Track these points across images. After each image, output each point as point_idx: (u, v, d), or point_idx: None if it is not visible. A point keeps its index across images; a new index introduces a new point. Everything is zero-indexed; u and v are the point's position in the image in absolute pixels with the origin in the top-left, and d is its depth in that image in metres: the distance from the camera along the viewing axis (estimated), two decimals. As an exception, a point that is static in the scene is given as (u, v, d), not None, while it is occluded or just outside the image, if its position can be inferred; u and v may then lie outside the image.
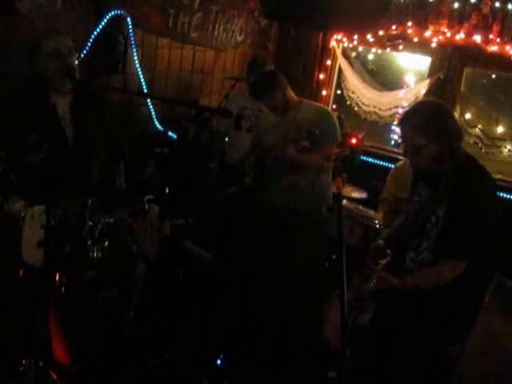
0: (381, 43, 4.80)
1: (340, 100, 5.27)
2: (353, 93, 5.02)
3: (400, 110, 4.76)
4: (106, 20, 3.36)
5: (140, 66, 3.76)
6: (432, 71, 4.68)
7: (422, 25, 4.53)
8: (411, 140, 2.13)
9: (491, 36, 4.22)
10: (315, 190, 3.25)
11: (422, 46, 4.60)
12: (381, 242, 2.47)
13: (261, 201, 3.38)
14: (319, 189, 3.28)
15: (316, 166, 3.12)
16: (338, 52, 5.11)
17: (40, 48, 2.43)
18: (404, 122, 2.18)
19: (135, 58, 3.71)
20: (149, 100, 3.99)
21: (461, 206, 2.03)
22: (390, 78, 5.25)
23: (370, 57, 5.25)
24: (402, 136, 2.20)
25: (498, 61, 4.25)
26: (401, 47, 4.69)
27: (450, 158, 2.09)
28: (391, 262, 2.36)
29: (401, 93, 4.81)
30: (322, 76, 5.27)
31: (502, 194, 4.33)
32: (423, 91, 4.62)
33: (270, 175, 3.21)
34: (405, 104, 4.70)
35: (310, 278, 3.31)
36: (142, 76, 3.79)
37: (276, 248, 3.31)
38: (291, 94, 3.21)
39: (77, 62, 2.51)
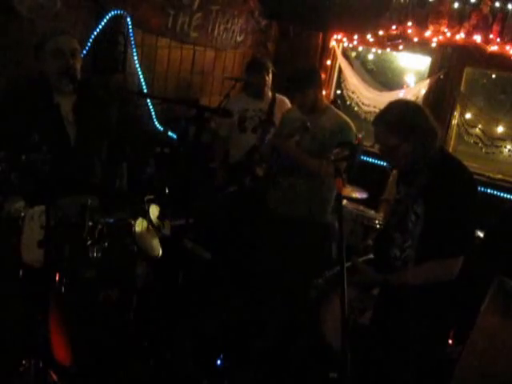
0: (381, 43, 4.80)
1: (340, 100, 5.25)
2: (353, 93, 5.02)
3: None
4: (105, 20, 3.37)
5: (140, 66, 3.76)
6: (432, 71, 4.68)
7: (421, 25, 4.52)
8: (384, 140, 2.15)
9: (491, 36, 4.22)
10: (314, 198, 3.23)
11: (422, 46, 4.59)
12: (370, 241, 2.50)
13: (261, 201, 3.38)
14: (319, 199, 3.27)
15: (313, 169, 3.09)
16: (338, 52, 5.11)
17: (44, 46, 2.44)
18: (376, 122, 2.19)
19: (135, 58, 3.71)
20: (149, 100, 3.99)
21: (439, 203, 2.04)
22: (390, 78, 5.25)
23: (370, 57, 5.24)
24: (376, 136, 2.21)
25: (497, 61, 4.24)
26: (401, 47, 4.69)
27: (424, 156, 2.10)
28: (377, 260, 2.38)
29: (401, 93, 4.81)
30: (322, 76, 5.27)
31: (501, 194, 4.33)
32: (423, 91, 4.62)
33: (273, 173, 3.22)
34: (405, 104, 4.70)
35: (310, 278, 3.32)
36: (141, 76, 3.79)
37: (275, 249, 3.31)
38: (322, 96, 3.22)
39: (79, 64, 2.50)
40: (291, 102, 3.45)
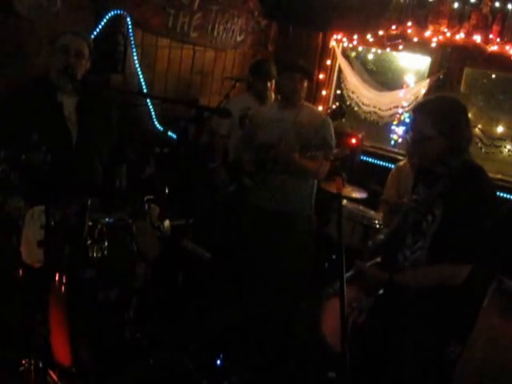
0: (381, 43, 4.80)
1: (340, 100, 5.26)
2: (353, 93, 5.02)
3: (400, 110, 4.76)
4: (105, 20, 3.36)
5: (140, 66, 3.76)
6: (432, 71, 4.67)
7: (421, 25, 4.52)
8: (421, 128, 2.09)
9: (491, 36, 4.21)
10: (302, 191, 3.30)
11: (422, 46, 4.59)
12: (380, 236, 2.48)
13: (247, 201, 3.39)
14: (306, 191, 3.33)
15: (313, 172, 3.15)
16: (338, 52, 5.10)
17: (54, 42, 2.47)
18: (420, 108, 2.15)
19: (135, 58, 3.71)
20: (149, 100, 3.99)
21: (457, 209, 2.02)
22: (390, 77, 5.24)
23: (370, 57, 5.24)
24: (414, 123, 2.17)
25: (497, 61, 4.24)
26: (401, 47, 4.68)
27: (454, 157, 2.06)
28: (384, 261, 2.36)
29: (401, 93, 4.80)
30: (321, 76, 5.27)
31: (502, 194, 4.32)
32: (423, 91, 4.61)
33: (267, 174, 3.23)
34: (405, 104, 4.70)
35: (306, 277, 3.33)
36: (141, 76, 3.79)
37: (267, 249, 3.33)
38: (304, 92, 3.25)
39: (83, 66, 2.50)
40: (284, 88, 3.29)
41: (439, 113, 2.06)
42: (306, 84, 3.20)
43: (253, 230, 3.41)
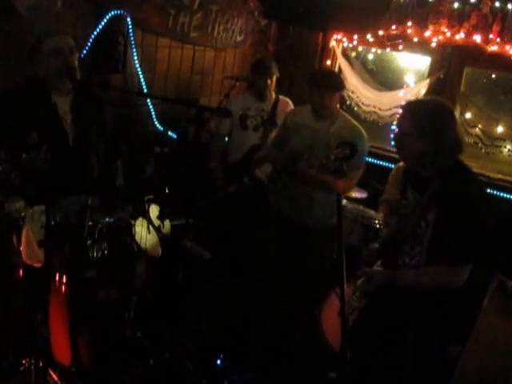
0: (381, 43, 4.79)
1: (340, 100, 5.25)
2: (353, 93, 5.01)
3: (400, 110, 4.75)
4: (105, 20, 3.36)
5: (140, 66, 3.76)
6: (432, 71, 4.67)
7: (421, 25, 4.52)
8: (403, 124, 2.15)
9: (491, 36, 4.21)
10: (326, 207, 3.15)
11: (422, 46, 4.59)
12: (375, 245, 2.50)
13: (269, 205, 3.36)
14: (331, 202, 3.20)
15: (336, 188, 2.91)
16: (338, 52, 5.10)
17: (41, 47, 2.41)
18: (407, 106, 2.21)
19: (135, 58, 3.71)
20: (149, 100, 3.99)
21: (450, 213, 2.04)
22: (390, 77, 5.24)
23: (370, 57, 5.24)
24: (399, 119, 2.26)
25: (498, 61, 4.24)
26: (401, 47, 4.68)
27: (434, 160, 2.07)
28: (384, 267, 2.36)
29: (401, 93, 4.80)
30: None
31: (502, 194, 4.33)
32: (423, 91, 4.61)
33: (288, 180, 3.16)
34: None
35: (310, 279, 3.32)
36: (141, 76, 3.79)
37: (278, 252, 3.31)
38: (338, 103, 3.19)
39: (77, 62, 2.50)
40: (313, 101, 3.15)
41: (422, 113, 2.08)
42: (338, 95, 3.13)
43: (267, 231, 3.37)
